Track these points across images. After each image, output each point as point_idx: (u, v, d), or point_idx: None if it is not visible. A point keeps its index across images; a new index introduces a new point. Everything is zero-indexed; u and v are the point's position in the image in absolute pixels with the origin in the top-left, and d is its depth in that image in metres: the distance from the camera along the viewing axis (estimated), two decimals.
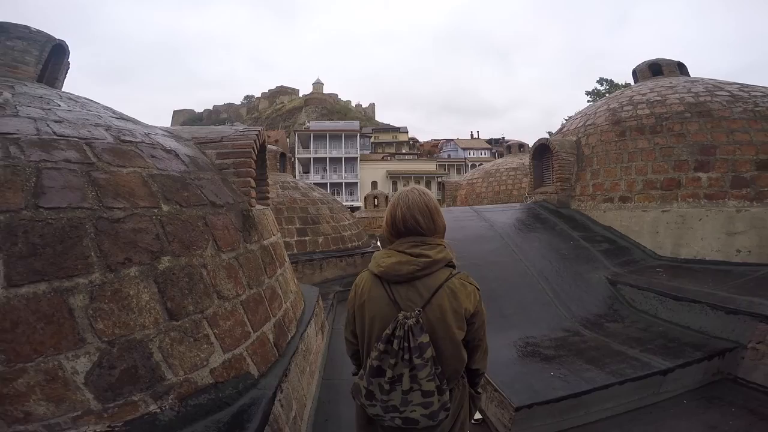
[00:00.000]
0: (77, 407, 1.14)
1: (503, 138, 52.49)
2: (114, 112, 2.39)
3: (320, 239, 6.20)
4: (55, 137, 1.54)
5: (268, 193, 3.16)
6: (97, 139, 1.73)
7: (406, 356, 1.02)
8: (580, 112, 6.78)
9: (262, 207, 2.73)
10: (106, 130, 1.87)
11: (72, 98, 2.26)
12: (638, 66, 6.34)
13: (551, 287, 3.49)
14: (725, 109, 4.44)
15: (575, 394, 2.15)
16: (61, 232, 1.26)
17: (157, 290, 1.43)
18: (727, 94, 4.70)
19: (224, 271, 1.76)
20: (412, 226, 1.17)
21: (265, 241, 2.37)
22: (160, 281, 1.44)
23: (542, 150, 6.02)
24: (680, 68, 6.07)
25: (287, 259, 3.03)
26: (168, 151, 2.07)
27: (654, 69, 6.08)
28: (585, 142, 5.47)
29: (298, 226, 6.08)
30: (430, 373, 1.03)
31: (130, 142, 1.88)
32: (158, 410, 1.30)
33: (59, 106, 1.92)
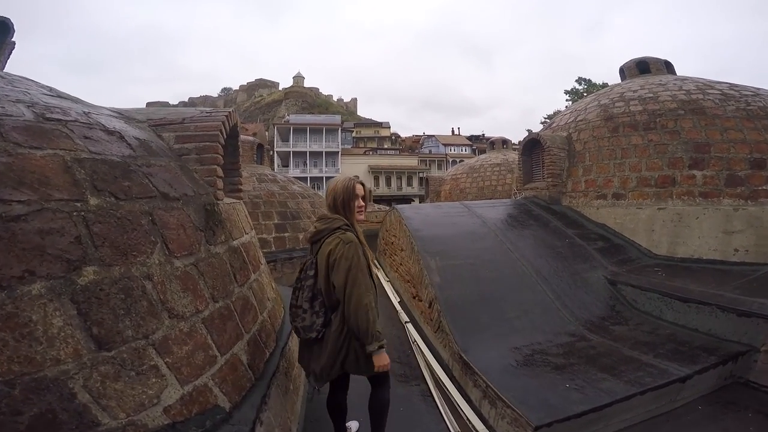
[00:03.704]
0: None
1: (483, 135, 53.11)
2: (53, 90, 1.93)
3: (300, 235, 5.81)
4: None
5: (241, 185, 2.74)
6: (10, 116, 1.30)
7: (302, 282, 1.65)
8: (569, 108, 6.67)
9: (233, 201, 2.33)
10: (29, 106, 1.44)
11: (1, 75, 1.80)
12: (626, 64, 6.28)
13: (551, 288, 3.28)
14: (718, 107, 4.38)
15: (596, 408, 1.94)
16: None
17: (75, 312, 1.04)
18: (719, 92, 4.65)
19: (178, 282, 1.38)
20: (327, 204, 1.79)
21: (235, 242, 2.00)
22: (81, 300, 1.06)
23: (532, 145, 5.86)
24: (667, 67, 6.05)
25: (263, 260, 2.64)
26: (110, 132, 1.65)
27: (641, 67, 6.04)
28: (576, 137, 5.33)
29: (276, 221, 5.66)
30: (307, 295, 1.62)
31: (58, 120, 1.45)
32: None
33: None
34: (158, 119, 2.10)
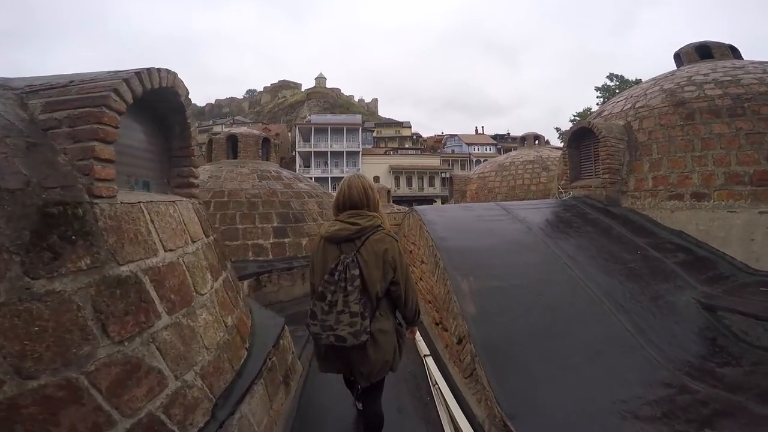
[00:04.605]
0: None
1: (509, 134, 51.25)
2: None
3: (304, 241, 5.07)
4: None
5: (195, 177, 2.09)
6: None
7: (342, 284, 1.50)
8: (621, 95, 5.78)
9: (170, 199, 1.71)
10: None
11: None
12: (682, 49, 5.48)
13: (629, 318, 2.52)
14: None
15: None
16: None
17: None
18: None
19: None
20: (352, 201, 1.64)
21: (126, 267, 1.28)
22: None
23: (580, 135, 5.04)
24: (732, 52, 5.22)
25: (214, 286, 1.86)
26: None
27: (702, 52, 5.26)
28: (638, 126, 4.49)
29: (275, 224, 4.94)
30: (357, 297, 1.49)
31: None
32: None
33: None
34: (39, 85, 1.46)
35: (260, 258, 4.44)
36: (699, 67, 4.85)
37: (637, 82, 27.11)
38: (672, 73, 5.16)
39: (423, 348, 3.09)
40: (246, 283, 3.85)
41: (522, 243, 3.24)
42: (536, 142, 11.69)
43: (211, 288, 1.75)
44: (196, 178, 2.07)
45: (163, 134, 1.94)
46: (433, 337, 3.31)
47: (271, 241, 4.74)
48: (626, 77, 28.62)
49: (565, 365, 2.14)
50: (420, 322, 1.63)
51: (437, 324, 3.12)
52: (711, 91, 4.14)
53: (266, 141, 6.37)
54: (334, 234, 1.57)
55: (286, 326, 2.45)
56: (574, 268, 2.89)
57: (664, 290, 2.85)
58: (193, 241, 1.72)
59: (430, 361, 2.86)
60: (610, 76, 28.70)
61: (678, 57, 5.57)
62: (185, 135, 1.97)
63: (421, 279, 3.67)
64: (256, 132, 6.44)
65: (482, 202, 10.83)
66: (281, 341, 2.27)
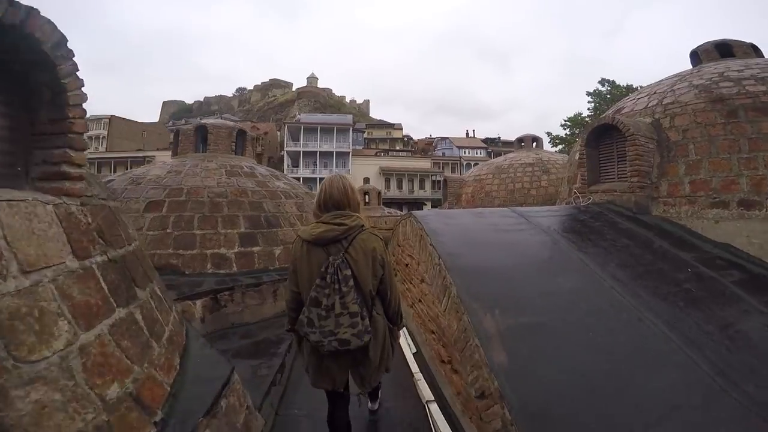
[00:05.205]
0: None
1: (499, 138, 51.34)
2: None
3: (278, 250, 4.22)
4: None
5: (73, 166, 1.35)
6: None
7: (336, 286, 1.44)
8: (641, 92, 5.24)
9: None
10: None
11: None
12: (701, 47, 5.10)
13: (702, 355, 1.91)
14: None
15: None
16: None
17: None
18: None
19: None
20: (334, 201, 1.60)
21: None
22: None
23: (600, 134, 4.47)
24: (754, 50, 4.90)
25: (79, 341, 1.10)
26: None
27: (722, 50, 4.90)
28: (669, 124, 3.94)
29: (243, 230, 4.07)
30: (354, 297, 1.46)
31: None
32: None
33: None
34: None
35: (221, 271, 3.61)
36: (727, 63, 4.44)
37: (628, 87, 27.31)
38: (697, 69, 4.69)
39: (425, 391, 2.41)
40: (199, 303, 3.05)
41: (552, 260, 2.59)
42: (534, 144, 11.19)
43: (69, 346, 1.02)
44: (79, 166, 1.33)
45: (26, 101, 1.22)
46: (437, 375, 2.63)
47: (237, 250, 3.86)
48: (617, 82, 28.93)
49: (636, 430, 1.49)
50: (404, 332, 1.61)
51: (443, 361, 2.43)
52: (753, 87, 3.65)
53: (241, 133, 5.50)
54: (319, 236, 1.52)
55: (234, 376, 1.73)
56: (624, 294, 2.25)
57: (730, 317, 2.25)
58: (30, 271, 0.98)
59: (434, 410, 2.19)
60: (602, 81, 28.92)
61: (695, 55, 5.18)
62: (59, 102, 1.26)
63: (420, 301, 2.99)
64: (230, 123, 5.58)
65: (478, 206, 10.25)
66: (222, 402, 1.54)
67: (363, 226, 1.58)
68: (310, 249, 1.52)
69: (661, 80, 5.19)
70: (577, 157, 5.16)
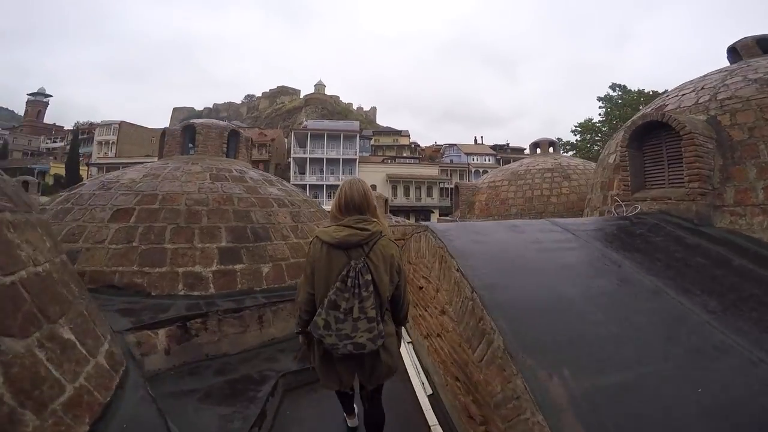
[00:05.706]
0: None
1: (508, 144, 50.57)
2: None
3: (266, 268, 3.48)
4: None
5: None
6: None
7: (357, 291, 1.45)
8: (683, 87, 4.58)
9: None
10: None
11: None
12: (739, 42, 4.62)
13: None
14: None
15: None
16: None
17: None
18: None
19: None
20: (355, 204, 1.63)
21: None
22: None
23: (643, 133, 3.83)
24: None
25: None
26: None
27: (764, 45, 4.43)
28: (731, 121, 3.30)
29: (224, 244, 3.38)
30: (373, 303, 1.47)
31: None
32: None
33: None
34: None
35: (195, 293, 2.95)
36: None
37: (640, 91, 26.54)
38: (746, 64, 4.05)
39: None
40: (162, 332, 2.44)
41: (622, 290, 1.94)
42: (551, 148, 10.51)
43: None
44: None
45: None
46: (457, 425, 2.00)
47: (215, 268, 3.18)
48: (628, 87, 28.34)
49: None
50: None
51: (473, 419, 1.80)
52: None
53: (234, 134, 4.89)
54: (343, 240, 1.53)
55: None
56: (725, 330, 1.60)
57: None
58: None
59: None
60: (613, 86, 28.31)
61: (734, 51, 4.65)
62: None
63: (439, 336, 2.36)
64: (221, 123, 5.01)
65: (493, 214, 9.56)
66: None
67: (382, 232, 1.60)
68: (330, 251, 1.53)
69: (705, 75, 4.56)
70: (612, 159, 4.52)
